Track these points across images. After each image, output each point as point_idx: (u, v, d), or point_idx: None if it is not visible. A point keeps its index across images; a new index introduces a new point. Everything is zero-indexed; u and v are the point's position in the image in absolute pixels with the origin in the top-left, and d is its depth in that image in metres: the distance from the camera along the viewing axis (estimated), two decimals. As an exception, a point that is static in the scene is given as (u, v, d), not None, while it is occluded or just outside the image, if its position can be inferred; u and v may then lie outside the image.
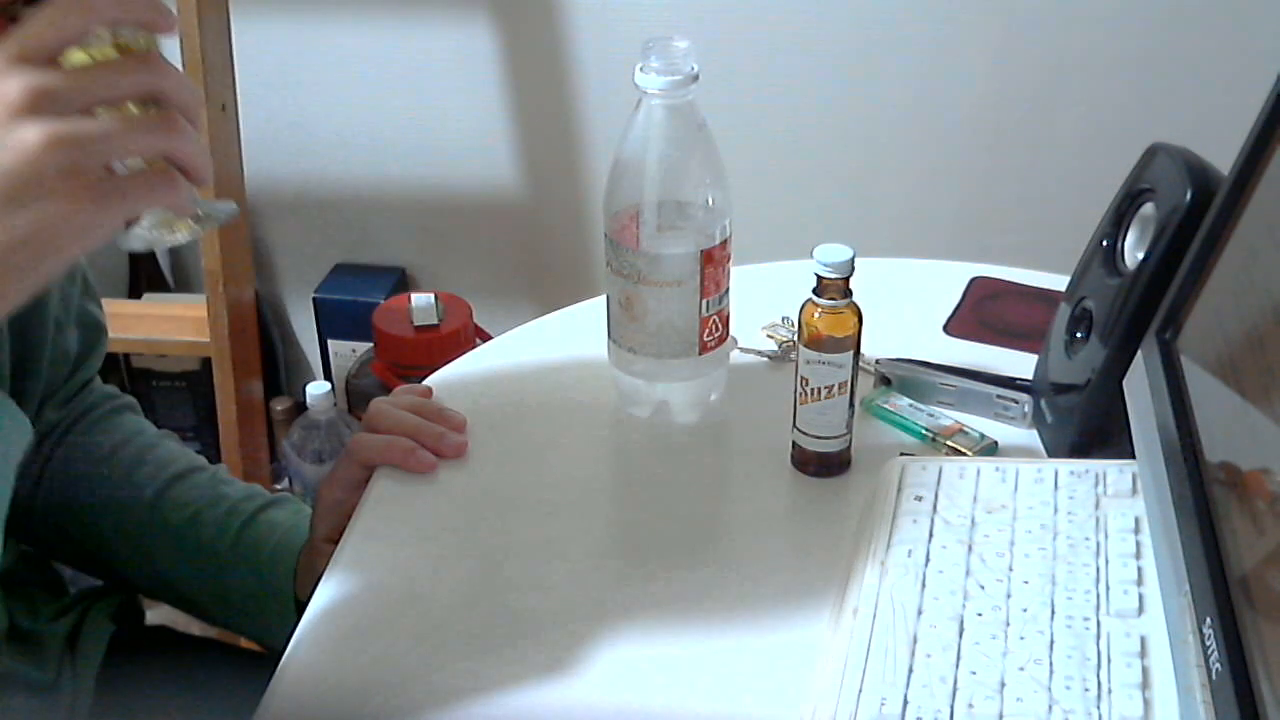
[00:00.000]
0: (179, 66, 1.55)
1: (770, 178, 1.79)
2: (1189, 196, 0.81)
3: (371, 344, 1.83)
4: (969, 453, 0.91)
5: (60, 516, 0.97)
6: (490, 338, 1.57)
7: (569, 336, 1.06)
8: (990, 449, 0.91)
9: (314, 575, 0.86)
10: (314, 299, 1.95)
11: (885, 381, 0.97)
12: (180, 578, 0.97)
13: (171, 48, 1.59)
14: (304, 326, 2.04)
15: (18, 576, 0.96)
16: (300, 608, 0.89)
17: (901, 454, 0.88)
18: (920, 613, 0.73)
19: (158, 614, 1.09)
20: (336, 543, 0.87)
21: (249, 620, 0.97)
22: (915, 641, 0.71)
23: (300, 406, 1.84)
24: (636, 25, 1.70)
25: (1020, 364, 0.98)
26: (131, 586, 1.03)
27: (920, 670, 0.70)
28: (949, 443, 0.91)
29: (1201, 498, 0.67)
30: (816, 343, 0.85)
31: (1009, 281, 1.12)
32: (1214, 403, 0.70)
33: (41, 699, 0.92)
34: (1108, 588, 0.74)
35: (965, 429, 0.93)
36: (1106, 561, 0.76)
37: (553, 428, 0.96)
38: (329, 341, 1.96)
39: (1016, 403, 0.93)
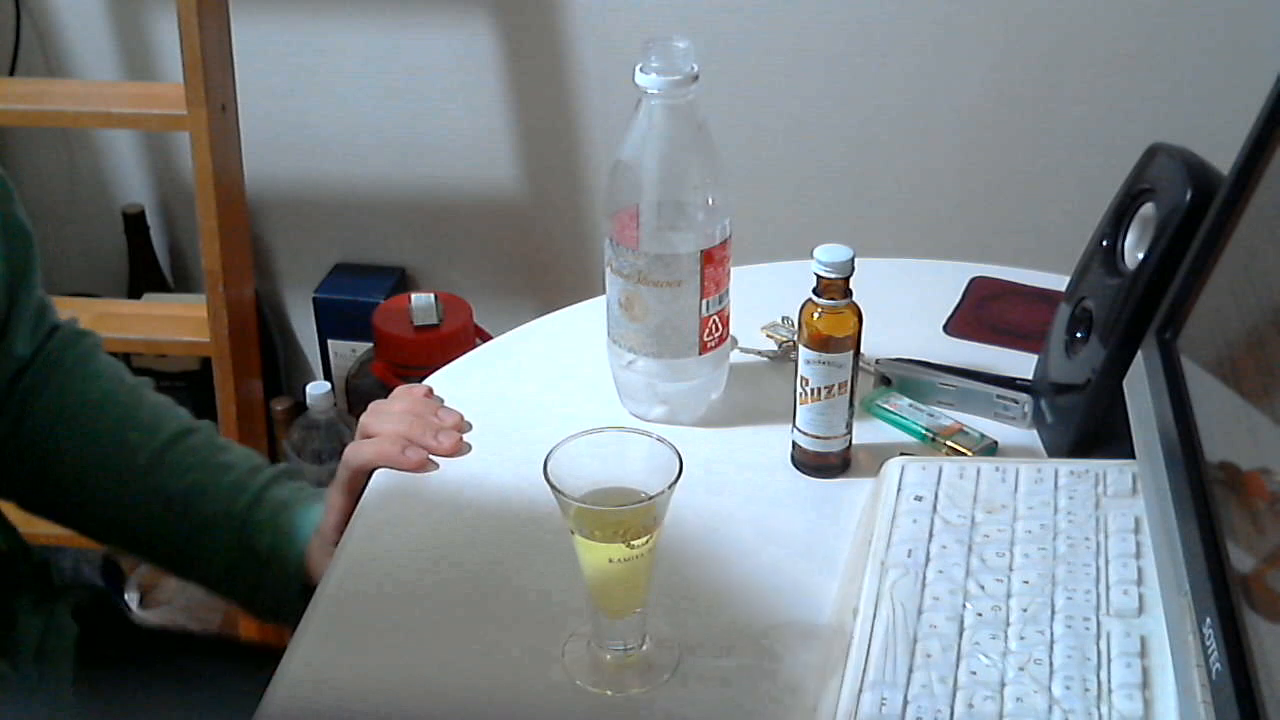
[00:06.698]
0: (179, 67, 1.56)
1: (770, 178, 1.80)
2: (1189, 196, 0.81)
3: (371, 344, 1.83)
4: (969, 453, 0.90)
5: (41, 464, 0.96)
6: (490, 338, 1.57)
7: (569, 336, 1.06)
8: (990, 449, 0.91)
9: (324, 562, 0.88)
10: (314, 299, 1.95)
11: (885, 381, 0.97)
12: (166, 541, 0.97)
13: (171, 47, 1.59)
14: (304, 326, 2.04)
15: None
16: (307, 591, 0.89)
17: (901, 454, 0.88)
18: (920, 613, 0.73)
19: (157, 614, 1.08)
20: None
21: (239, 585, 0.97)
22: (915, 641, 0.71)
23: (300, 406, 1.84)
24: (636, 25, 1.71)
25: (1020, 364, 0.98)
26: (105, 540, 1.02)
27: (920, 670, 0.70)
28: (949, 443, 0.91)
29: (1201, 498, 0.67)
30: (816, 343, 0.85)
31: (1009, 281, 1.12)
32: (1214, 403, 0.70)
33: (14, 696, 0.92)
34: (1108, 588, 0.74)
35: (965, 429, 0.93)
36: (1106, 561, 0.76)
37: (553, 428, 0.96)
38: (329, 341, 1.96)
39: (1016, 403, 0.93)
